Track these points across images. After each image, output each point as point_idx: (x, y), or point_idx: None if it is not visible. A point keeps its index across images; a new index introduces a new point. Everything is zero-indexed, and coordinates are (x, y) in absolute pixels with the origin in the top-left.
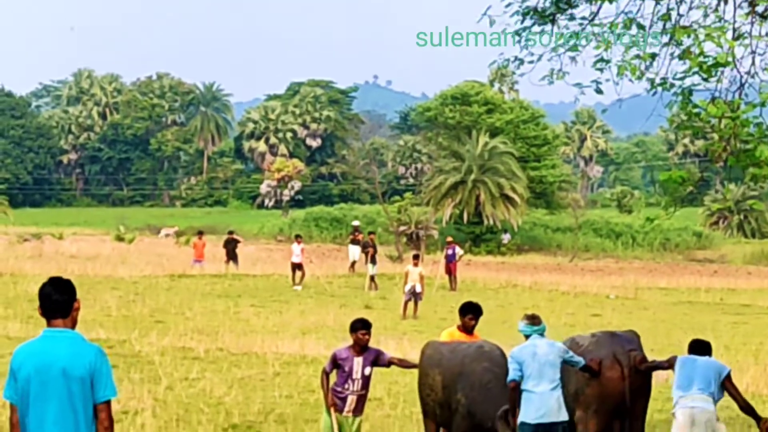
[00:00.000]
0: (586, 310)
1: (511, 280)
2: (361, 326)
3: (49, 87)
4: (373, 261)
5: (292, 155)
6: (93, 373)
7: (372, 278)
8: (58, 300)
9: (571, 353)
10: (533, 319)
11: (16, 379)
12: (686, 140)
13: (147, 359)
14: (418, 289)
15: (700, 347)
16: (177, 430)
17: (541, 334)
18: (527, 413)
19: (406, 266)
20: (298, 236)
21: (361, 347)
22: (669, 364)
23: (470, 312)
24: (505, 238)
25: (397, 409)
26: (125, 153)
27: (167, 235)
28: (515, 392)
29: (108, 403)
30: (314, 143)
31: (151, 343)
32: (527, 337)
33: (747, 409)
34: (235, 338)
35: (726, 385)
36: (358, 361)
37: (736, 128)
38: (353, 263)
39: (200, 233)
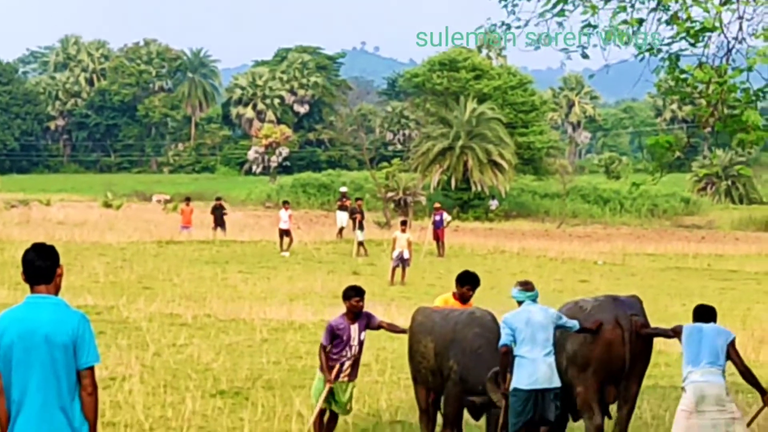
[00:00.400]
0: (573, 275)
1: (498, 246)
2: (354, 294)
3: (36, 53)
4: (361, 227)
5: (279, 121)
6: (76, 339)
7: (360, 244)
8: (41, 266)
9: (564, 318)
10: (526, 285)
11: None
12: (674, 106)
13: (134, 325)
14: (406, 255)
15: (706, 313)
16: (164, 396)
17: (534, 300)
18: (520, 379)
19: (394, 232)
20: (285, 202)
21: (354, 314)
22: (674, 333)
23: (469, 283)
24: (493, 204)
25: (384, 375)
26: (112, 119)
27: (159, 201)
28: (507, 357)
29: (91, 369)
30: (302, 109)
31: (139, 309)
32: (520, 303)
33: (749, 378)
34: (223, 304)
35: (729, 352)
36: (354, 328)
37: (724, 93)
38: (341, 229)
39: (187, 199)
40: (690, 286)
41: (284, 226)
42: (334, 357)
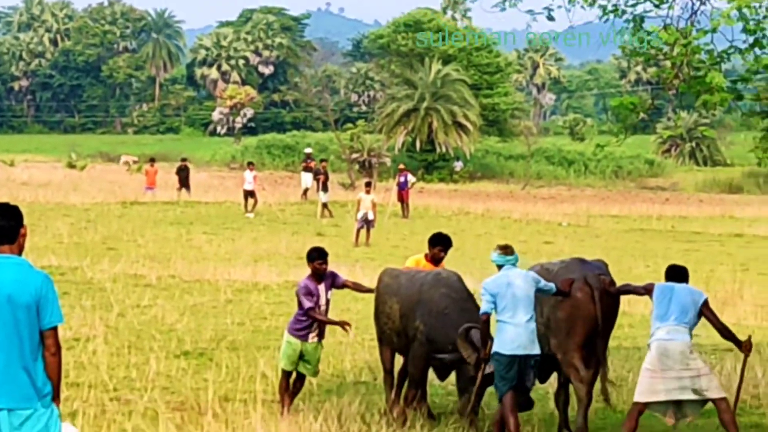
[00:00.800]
0: (538, 237)
1: (463, 208)
2: (317, 256)
3: (0, 13)
4: (325, 188)
5: (244, 82)
6: (39, 299)
7: (324, 205)
8: (4, 226)
9: (543, 281)
10: (506, 249)
11: None
12: (638, 68)
13: (99, 286)
14: (371, 216)
15: (678, 274)
16: (129, 357)
17: (514, 265)
18: (502, 344)
19: (359, 194)
20: (250, 163)
21: (319, 276)
22: (645, 290)
23: (440, 244)
24: (458, 165)
25: (348, 336)
26: (77, 80)
27: (126, 163)
28: (487, 325)
29: (54, 329)
30: (267, 70)
31: (103, 270)
32: (500, 267)
33: (726, 334)
34: (188, 265)
35: (704, 312)
36: (321, 289)
37: (688, 55)
38: (305, 190)
39: (152, 160)
40: (654, 248)
41: (249, 188)
42: (302, 318)
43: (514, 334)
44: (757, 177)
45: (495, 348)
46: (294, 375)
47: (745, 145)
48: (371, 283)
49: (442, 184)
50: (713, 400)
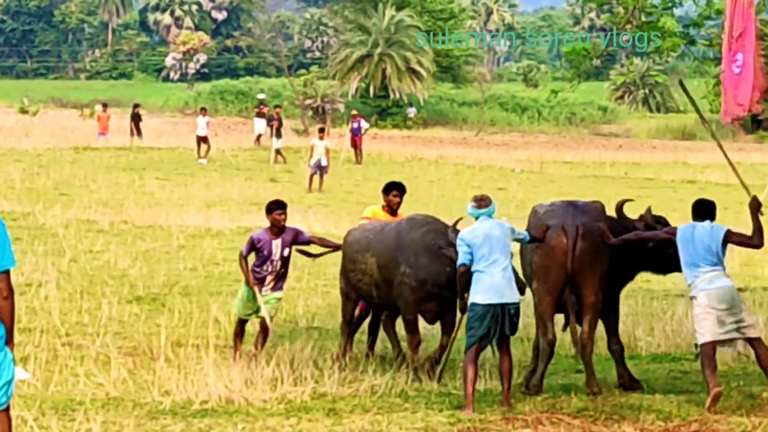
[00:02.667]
0: (491, 183)
1: (416, 154)
2: (276, 207)
3: None
4: (279, 134)
5: (197, 28)
6: None
7: (278, 152)
8: None
9: (517, 231)
10: (481, 201)
11: None
12: (592, 14)
13: (51, 232)
14: (324, 162)
15: (703, 210)
16: (81, 302)
17: (490, 216)
18: (477, 294)
19: (312, 140)
20: (203, 109)
21: (278, 228)
22: (668, 235)
23: (394, 188)
24: (411, 111)
25: (302, 281)
26: (29, 25)
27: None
28: (464, 276)
29: (7, 273)
30: (220, 16)
31: (56, 215)
32: (476, 219)
33: (757, 230)
34: (140, 211)
35: (732, 241)
36: (276, 244)
37: (640, 0)
38: (259, 136)
39: (104, 106)
40: (607, 194)
41: (202, 133)
42: (256, 270)
43: (489, 283)
44: (710, 123)
45: (471, 298)
46: (259, 326)
47: (699, 92)
48: (324, 229)
49: (395, 131)
50: (751, 340)
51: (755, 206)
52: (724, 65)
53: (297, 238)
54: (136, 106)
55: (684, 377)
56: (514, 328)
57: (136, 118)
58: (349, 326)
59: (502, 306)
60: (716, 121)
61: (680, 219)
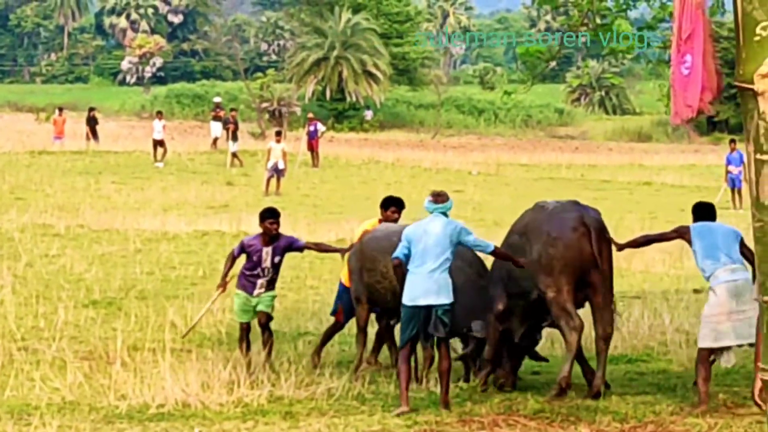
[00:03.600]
0: (448, 186)
1: (373, 157)
2: (269, 216)
3: None
4: (235, 138)
5: (153, 31)
6: None
7: (234, 155)
8: None
9: (473, 237)
10: (437, 197)
11: None
12: (548, 17)
13: (7, 236)
14: (281, 165)
15: (708, 211)
16: (37, 307)
17: (445, 213)
18: (405, 295)
19: (269, 143)
20: (159, 113)
21: (270, 237)
22: (678, 234)
23: (394, 205)
24: (368, 114)
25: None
26: None
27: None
28: (398, 270)
29: None
30: (176, 19)
31: (11, 220)
32: (431, 213)
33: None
34: (96, 215)
35: (741, 249)
36: (266, 251)
37: (595, 2)
38: (215, 140)
39: (60, 110)
40: (563, 196)
41: (158, 137)
42: (247, 274)
43: (416, 284)
44: (665, 126)
45: (402, 299)
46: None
47: (654, 94)
48: (288, 232)
49: (352, 133)
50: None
51: None
52: (673, 67)
53: (291, 246)
54: (91, 109)
55: (640, 378)
56: (445, 329)
57: (91, 122)
58: (365, 334)
59: (428, 308)
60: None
61: (637, 221)
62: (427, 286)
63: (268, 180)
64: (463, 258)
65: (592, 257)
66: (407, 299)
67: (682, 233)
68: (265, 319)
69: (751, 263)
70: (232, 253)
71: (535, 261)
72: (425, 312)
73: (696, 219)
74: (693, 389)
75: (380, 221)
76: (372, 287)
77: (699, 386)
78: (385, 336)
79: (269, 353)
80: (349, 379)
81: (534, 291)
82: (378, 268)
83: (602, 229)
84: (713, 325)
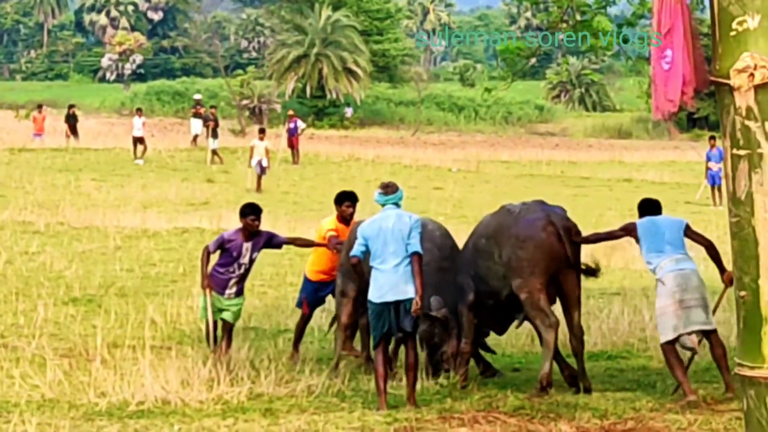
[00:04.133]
0: (428, 183)
1: (353, 154)
2: (250, 212)
3: None
4: (215, 135)
5: (133, 28)
6: None
7: (214, 152)
8: None
9: (414, 236)
10: (386, 188)
11: None
12: (528, 13)
13: None
14: (265, 163)
15: (653, 207)
16: (16, 304)
17: (397, 204)
18: (372, 292)
19: (252, 140)
20: (139, 110)
21: (250, 232)
22: (625, 231)
23: (347, 199)
24: (348, 111)
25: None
26: None
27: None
28: (356, 268)
29: None
30: (156, 16)
31: None
32: (383, 206)
33: (714, 253)
34: (76, 212)
35: (689, 235)
36: (246, 246)
37: None
38: (195, 137)
39: (40, 107)
40: (543, 193)
41: (138, 134)
42: (221, 271)
43: (383, 281)
44: (645, 122)
45: (368, 296)
46: (220, 324)
47: (634, 91)
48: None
49: (332, 131)
50: (708, 333)
51: (729, 279)
52: (653, 61)
53: (271, 242)
54: (71, 107)
55: (620, 375)
56: (412, 323)
57: (71, 119)
58: (351, 329)
59: (396, 303)
60: (651, 120)
61: (617, 217)
62: (393, 282)
63: (259, 177)
64: (432, 240)
65: (563, 256)
66: (374, 296)
67: (629, 230)
68: (229, 327)
69: (704, 245)
70: (206, 248)
71: (505, 263)
72: (394, 307)
73: (641, 215)
74: (677, 395)
75: (338, 218)
76: (355, 281)
77: (678, 379)
78: (363, 331)
79: (225, 349)
80: (328, 375)
81: (504, 290)
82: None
83: (569, 228)
84: (667, 317)
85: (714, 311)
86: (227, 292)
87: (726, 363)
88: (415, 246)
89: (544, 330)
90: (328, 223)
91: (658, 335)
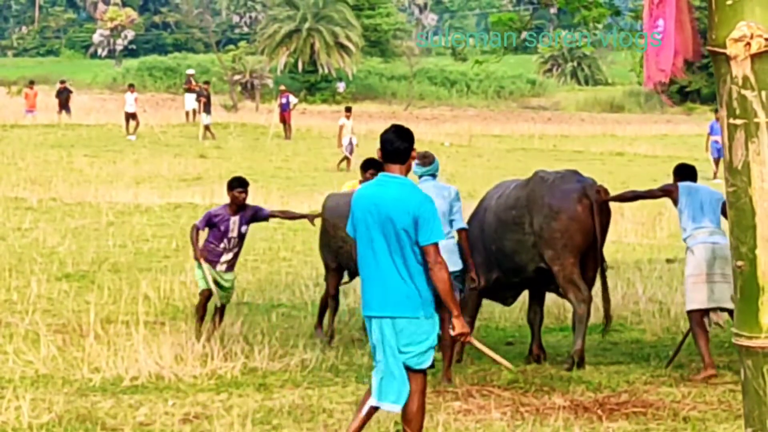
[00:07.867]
0: None
1: None
2: (237, 185)
3: None
4: (207, 110)
5: (125, 4)
6: (418, 218)
7: (206, 127)
8: (399, 147)
9: (458, 209)
10: (424, 159)
11: None
12: None
13: None
14: (355, 141)
15: (691, 172)
16: (9, 280)
17: (433, 176)
18: None
19: (340, 119)
20: (131, 85)
21: (237, 206)
22: (664, 192)
23: (373, 167)
24: (340, 86)
25: None
26: None
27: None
28: None
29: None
30: None
31: None
32: (420, 178)
33: None
34: (69, 188)
35: (725, 212)
36: (234, 220)
37: None
38: (192, 111)
39: (31, 83)
40: (536, 167)
41: (130, 110)
42: (211, 246)
43: None
44: (637, 96)
45: None
46: (218, 304)
47: (626, 65)
48: (261, 204)
49: (324, 105)
50: (732, 311)
51: None
52: (645, 31)
53: (257, 215)
54: (62, 82)
55: (614, 348)
56: (462, 293)
57: (63, 94)
58: (336, 301)
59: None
60: (645, 94)
61: (610, 191)
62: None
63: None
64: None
65: (592, 230)
66: None
67: (669, 191)
68: (222, 305)
69: None
70: (195, 226)
71: (537, 233)
72: None
73: (677, 180)
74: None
75: (360, 182)
76: (338, 252)
77: (701, 350)
78: (333, 304)
79: (219, 323)
80: (322, 350)
81: (530, 266)
82: (338, 234)
83: (603, 202)
84: (693, 288)
85: None
86: (219, 267)
87: None
88: (460, 222)
89: (577, 304)
90: (348, 185)
91: (650, 308)
